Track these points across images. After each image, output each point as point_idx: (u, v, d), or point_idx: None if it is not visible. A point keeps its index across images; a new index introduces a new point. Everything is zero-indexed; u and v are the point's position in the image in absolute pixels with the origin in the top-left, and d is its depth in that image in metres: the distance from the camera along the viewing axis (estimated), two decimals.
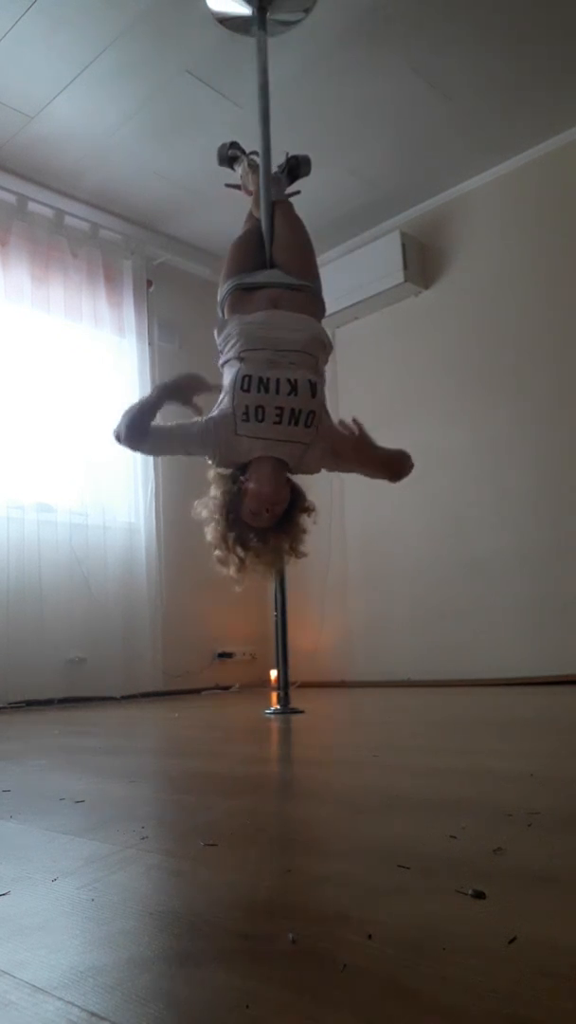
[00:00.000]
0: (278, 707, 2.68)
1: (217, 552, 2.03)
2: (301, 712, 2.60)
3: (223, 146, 2.91)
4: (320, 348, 2.14)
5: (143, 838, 0.91)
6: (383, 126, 3.55)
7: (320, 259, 4.25)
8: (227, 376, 2.09)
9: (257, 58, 2.66)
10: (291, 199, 2.73)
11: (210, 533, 2.03)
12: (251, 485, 2.00)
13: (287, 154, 2.83)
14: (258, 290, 2.24)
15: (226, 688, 4.27)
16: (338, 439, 2.04)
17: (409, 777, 1.29)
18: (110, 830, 0.96)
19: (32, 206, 3.85)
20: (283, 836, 0.94)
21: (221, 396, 2.08)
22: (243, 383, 2.00)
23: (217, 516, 2.01)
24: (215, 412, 2.05)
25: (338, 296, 4.16)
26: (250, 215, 2.64)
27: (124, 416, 2.06)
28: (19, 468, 3.59)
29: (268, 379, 2.00)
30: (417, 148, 3.71)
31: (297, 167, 2.82)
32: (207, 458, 2.09)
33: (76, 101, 3.27)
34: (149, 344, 4.25)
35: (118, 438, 2.06)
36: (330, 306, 4.12)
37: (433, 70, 3.19)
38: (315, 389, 2.03)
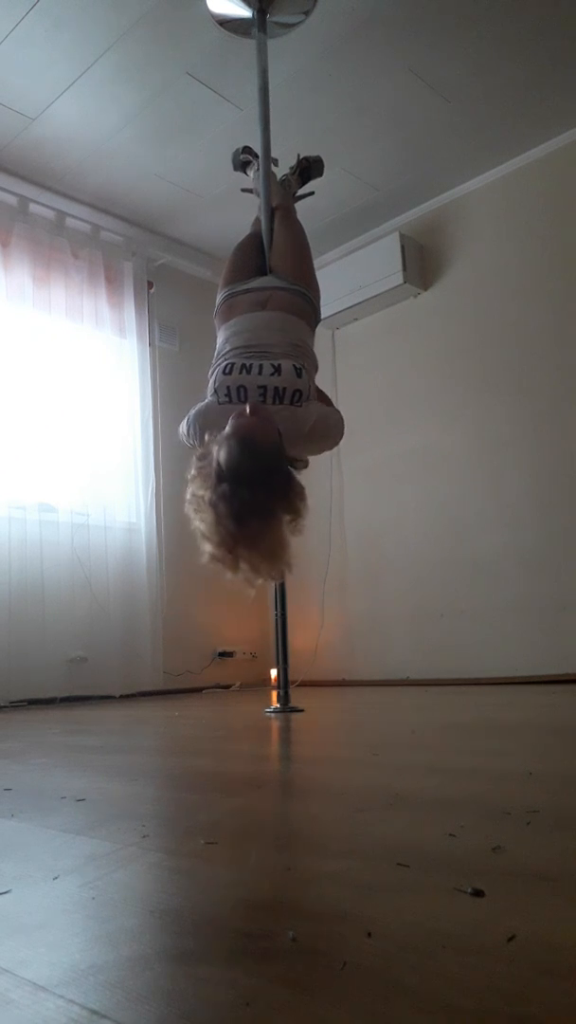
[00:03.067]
0: (278, 706, 2.68)
1: (210, 542, 1.67)
2: (301, 711, 2.60)
3: (236, 151, 2.89)
4: (300, 352, 2.04)
5: (144, 836, 0.92)
6: (382, 128, 3.55)
7: (319, 260, 4.27)
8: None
9: (257, 60, 2.66)
10: (303, 200, 2.72)
11: (201, 523, 1.69)
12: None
13: (299, 155, 2.79)
14: (248, 294, 2.22)
15: (226, 687, 4.27)
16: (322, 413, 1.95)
17: (408, 775, 1.30)
18: (111, 828, 0.97)
19: (33, 208, 3.86)
20: (283, 834, 0.94)
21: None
22: (225, 368, 1.95)
23: (206, 487, 1.67)
24: (199, 404, 1.96)
25: (337, 297, 4.17)
26: (257, 219, 2.64)
27: None
28: (21, 468, 3.60)
29: (251, 364, 1.94)
30: (416, 150, 3.72)
31: (309, 168, 2.77)
32: (195, 445, 1.92)
33: (77, 103, 3.28)
34: (150, 345, 4.27)
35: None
36: (329, 307, 4.16)
37: (432, 72, 3.19)
38: (300, 372, 1.94)
